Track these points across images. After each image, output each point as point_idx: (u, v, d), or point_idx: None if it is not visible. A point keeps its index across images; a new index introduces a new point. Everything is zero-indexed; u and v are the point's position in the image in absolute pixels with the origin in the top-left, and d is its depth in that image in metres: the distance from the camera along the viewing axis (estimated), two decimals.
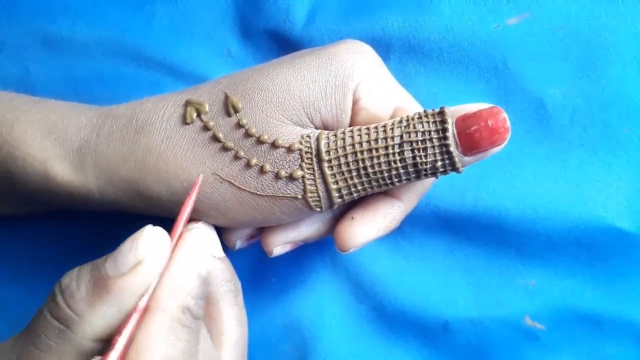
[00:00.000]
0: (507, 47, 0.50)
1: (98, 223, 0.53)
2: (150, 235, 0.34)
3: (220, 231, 0.46)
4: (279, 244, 0.44)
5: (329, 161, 0.38)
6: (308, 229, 0.44)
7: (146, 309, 0.33)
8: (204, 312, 0.36)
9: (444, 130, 0.36)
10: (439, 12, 0.51)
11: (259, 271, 0.54)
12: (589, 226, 0.49)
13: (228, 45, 0.55)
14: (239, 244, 0.45)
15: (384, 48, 0.52)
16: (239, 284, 0.42)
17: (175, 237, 0.36)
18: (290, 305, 0.53)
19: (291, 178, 0.39)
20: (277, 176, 0.39)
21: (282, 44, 0.54)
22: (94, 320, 0.33)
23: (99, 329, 0.33)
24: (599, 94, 0.49)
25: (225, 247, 0.46)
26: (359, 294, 0.53)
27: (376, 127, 0.38)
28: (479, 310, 0.51)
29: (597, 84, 0.49)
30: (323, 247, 0.53)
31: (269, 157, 0.39)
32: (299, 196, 0.39)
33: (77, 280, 0.34)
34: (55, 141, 0.41)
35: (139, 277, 0.33)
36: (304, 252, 0.51)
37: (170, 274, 0.34)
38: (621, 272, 0.50)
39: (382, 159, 0.38)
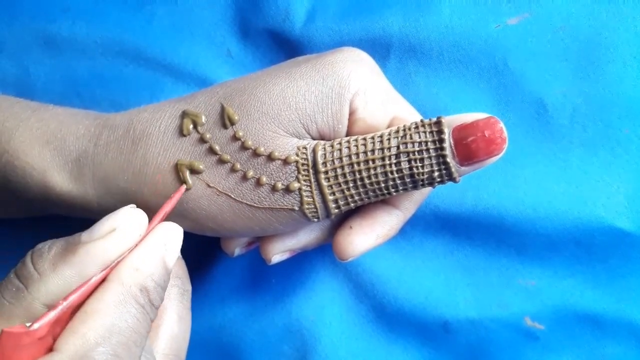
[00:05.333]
0: (507, 47, 0.50)
1: None
2: (130, 210, 0.35)
3: (219, 238, 0.46)
4: (278, 252, 0.44)
5: (326, 172, 0.38)
6: (306, 237, 0.44)
7: (104, 281, 0.33)
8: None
9: (441, 140, 0.36)
10: (439, 12, 0.51)
11: (259, 272, 0.54)
12: (589, 226, 0.49)
13: (228, 45, 0.55)
14: (237, 251, 0.46)
15: (384, 48, 0.51)
16: (188, 286, 0.43)
17: (152, 226, 0.36)
18: (290, 305, 0.53)
19: (288, 190, 0.39)
20: (273, 188, 0.39)
21: (281, 43, 0.54)
22: (53, 282, 0.32)
23: (55, 292, 0.32)
24: (599, 94, 0.49)
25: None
26: (359, 294, 0.53)
27: (373, 138, 0.38)
28: (479, 311, 0.51)
29: (597, 84, 0.49)
30: (323, 247, 0.52)
31: (265, 169, 0.39)
32: (296, 208, 0.39)
33: (50, 244, 0.34)
34: (54, 151, 0.41)
35: (108, 244, 0.33)
36: (304, 253, 0.50)
37: (137, 252, 0.34)
38: (621, 272, 0.50)
39: (378, 170, 0.37)
